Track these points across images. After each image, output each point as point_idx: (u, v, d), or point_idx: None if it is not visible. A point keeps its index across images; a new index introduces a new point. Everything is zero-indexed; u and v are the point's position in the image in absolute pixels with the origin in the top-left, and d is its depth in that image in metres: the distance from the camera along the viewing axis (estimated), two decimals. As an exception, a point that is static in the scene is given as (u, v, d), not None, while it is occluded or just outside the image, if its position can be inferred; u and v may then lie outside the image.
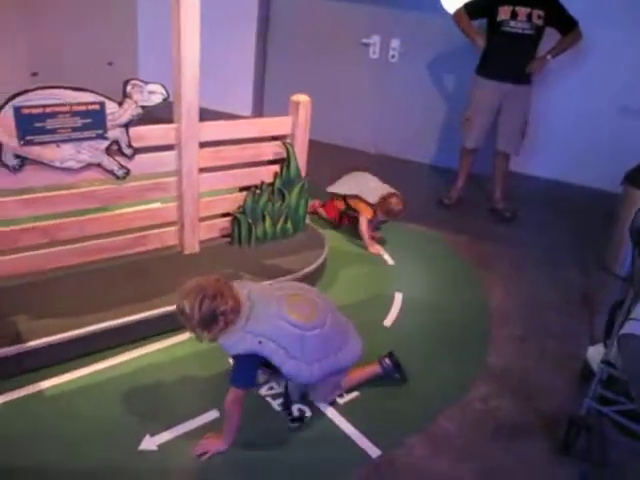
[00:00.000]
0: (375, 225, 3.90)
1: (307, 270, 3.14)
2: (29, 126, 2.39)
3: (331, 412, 2.36)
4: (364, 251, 3.75)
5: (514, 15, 4.06)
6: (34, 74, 4.73)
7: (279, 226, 3.34)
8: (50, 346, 2.37)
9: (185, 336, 2.64)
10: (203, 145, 2.91)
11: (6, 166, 2.40)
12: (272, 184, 3.23)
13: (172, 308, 2.60)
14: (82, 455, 2.03)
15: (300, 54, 5.72)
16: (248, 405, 2.17)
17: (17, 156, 2.41)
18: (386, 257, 3.72)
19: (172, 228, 3.03)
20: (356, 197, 3.79)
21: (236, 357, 2.05)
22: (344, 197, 3.87)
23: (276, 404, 2.36)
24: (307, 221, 3.56)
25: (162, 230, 3.00)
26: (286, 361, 2.01)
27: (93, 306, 2.57)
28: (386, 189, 3.74)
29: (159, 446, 2.10)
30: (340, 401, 2.42)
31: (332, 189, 3.93)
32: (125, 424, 2.18)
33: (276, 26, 5.80)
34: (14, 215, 2.54)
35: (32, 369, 2.36)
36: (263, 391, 2.42)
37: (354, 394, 2.46)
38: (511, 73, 4.21)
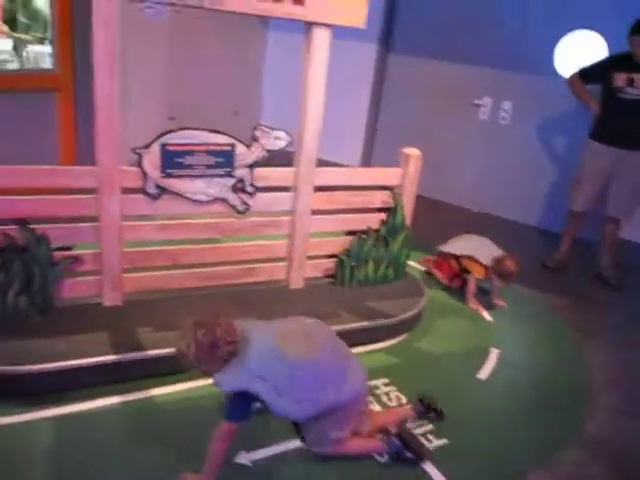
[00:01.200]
0: (495, 291, 3.85)
1: (404, 316, 3.23)
2: (171, 161, 2.72)
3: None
4: (463, 305, 3.77)
5: (630, 82, 4.04)
6: (171, 118, 5.27)
7: (380, 271, 3.47)
8: (166, 357, 2.61)
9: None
10: (317, 189, 3.14)
11: (148, 194, 2.74)
12: (377, 231, 3.39)
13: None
14: (185, 457, 2.21)
15: (411, 111, 5.94)
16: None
17: (158, 186, 2.75)
18: (484, 313, 3.71)
19: (281, 263, 3.24)
20: (469, 258, 3.79)
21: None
22: (457, 258, 3.87)
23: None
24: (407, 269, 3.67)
25: (272, 264, 3.23)
26: (276, 399, 1.99)
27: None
28: (500, 252, 3.74)
29: (252, 462, 2.24)
30: (430, 446, 2.44)
31: (445, 248, 3.94)
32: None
33: (390, 83, 6.09)
34: (150, 238, 2.87)
35: (148, 376, 2.60)
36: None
37: (443, 441, 2.48)
38: (626, 139, 4.15)
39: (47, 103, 4.57)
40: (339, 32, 2.89)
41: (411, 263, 3.83)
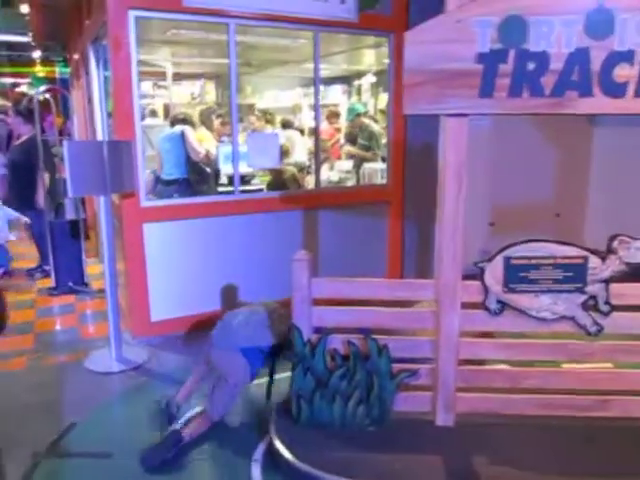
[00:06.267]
0: None
1: None
2: (514, 275, 2.54)
3: None
4: None
5: None
6: (491, 224, 5.17)
7: None
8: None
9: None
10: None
11: (489, 310, 2.58)
12: None
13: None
14: None
15: None
16: None
17: (499, 301, 2.58)
18: None
19: (638, 397, 2.68)
20: None
21: None
22: None
23: None
24: None
25: (629, 398, 2.69)
26: None
27: (548, 469, 2.41)
28: None
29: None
30: None
31: None
32: None
33: None
34: (489, 356, 2.68)
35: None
36: None
37: None
38: None
39: (379, 215, 4.93)
40: None
41: None
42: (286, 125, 6.76)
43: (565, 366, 2.77)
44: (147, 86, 7.17)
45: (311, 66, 4.61)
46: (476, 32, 2.37)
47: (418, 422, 2.73)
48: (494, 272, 2.55)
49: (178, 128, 5.18)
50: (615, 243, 2.53)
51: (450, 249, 2.54)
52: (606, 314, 2.57)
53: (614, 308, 2.57)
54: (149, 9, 3.74)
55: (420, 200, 4.35)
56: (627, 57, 2.32)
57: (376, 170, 5.39)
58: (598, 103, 2.37)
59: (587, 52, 2.33)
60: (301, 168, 5.86)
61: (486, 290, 2.58)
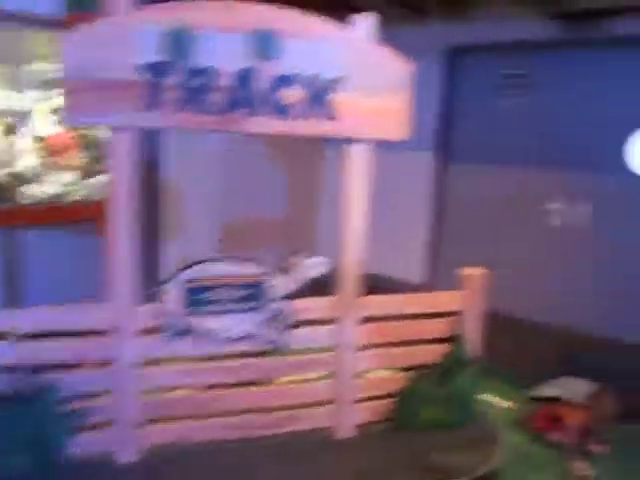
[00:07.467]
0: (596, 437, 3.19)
1: (476, 473, 2.64)
2: (193, 297, 2.45)
3: None
4: (554, 454, 3.11)
5: None
6: (220, 240, 5.16)
7: (444, 413, 2.92)
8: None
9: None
10: (368, 320, 2.75)
11: (169, 334, 2.44)
12: (438, 365, 2.90)
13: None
14: None
15: (478, 220, 5.52)
16: None
17: (180, 325, 2.45)
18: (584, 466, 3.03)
19: (324, 408, 2.79)
20: (559, 401, 3.23)
21: None
22: (546, 403, 3.31)
23: None
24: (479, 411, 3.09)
25: (313, 409, 2.78)
26: None
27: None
28: (595, 387, 3.14)
29: None
30: None
31: (534, 393, 3.42)
32: None
33: (453, 193, 5.75)
34: (171, 384, 2.54)
35: None
36: None
37: None
38: None
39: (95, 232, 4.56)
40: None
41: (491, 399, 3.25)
42: (8, 131, 5.97)
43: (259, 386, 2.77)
44: None
45: (44, 66, 4.13)
46: (139, 41, 2.23)
47: (98, 463, 2.46)
48: (173, 295, 2.43)
49: None
50: (292, 260, 2.59)
51: (122, 272, 2.35)
52: (288, 329, 2.62)
53: (296, 324, 2.63)
54: None
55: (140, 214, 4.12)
56: (290, 80, 2.39)
57: (104, 183, 4.98)
58: (267, 123, 2.40)
59: (253, 72, 2.35)
60: (21, 180, 5.19)
61: (166, 314, 2.44)
